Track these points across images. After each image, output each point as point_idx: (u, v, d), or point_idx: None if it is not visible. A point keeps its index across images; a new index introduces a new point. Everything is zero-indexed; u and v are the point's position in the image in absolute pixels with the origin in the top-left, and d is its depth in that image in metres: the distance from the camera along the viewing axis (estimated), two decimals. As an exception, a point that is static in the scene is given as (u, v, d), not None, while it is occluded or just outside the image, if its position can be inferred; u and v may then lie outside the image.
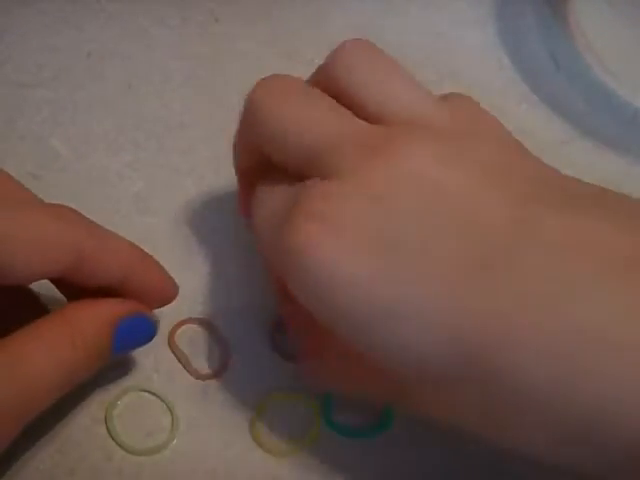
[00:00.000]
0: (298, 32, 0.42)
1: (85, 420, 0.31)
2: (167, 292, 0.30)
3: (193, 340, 0.33)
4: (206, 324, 0.33)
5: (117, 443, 0.31)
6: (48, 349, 0.26)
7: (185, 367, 0.32)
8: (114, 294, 0.28)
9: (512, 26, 0.42)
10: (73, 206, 0.28)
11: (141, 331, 0.29)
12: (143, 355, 0.32)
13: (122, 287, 0.28)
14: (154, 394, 0.31)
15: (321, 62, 0.41)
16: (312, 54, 0.41)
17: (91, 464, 0.30)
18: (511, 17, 0.42)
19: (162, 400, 0.31)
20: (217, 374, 0.32)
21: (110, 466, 0.30)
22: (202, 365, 0.32)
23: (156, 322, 0.30)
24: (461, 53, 0.41)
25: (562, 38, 0.41)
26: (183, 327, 0.33)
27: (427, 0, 0.43)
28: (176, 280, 0.31)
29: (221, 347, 0.33)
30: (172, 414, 0.31)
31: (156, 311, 0.33)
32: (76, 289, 0.28)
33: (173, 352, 0.32)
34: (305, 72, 0.41)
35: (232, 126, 0.37)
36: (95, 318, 0.27)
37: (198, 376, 0.32)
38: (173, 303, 0.33)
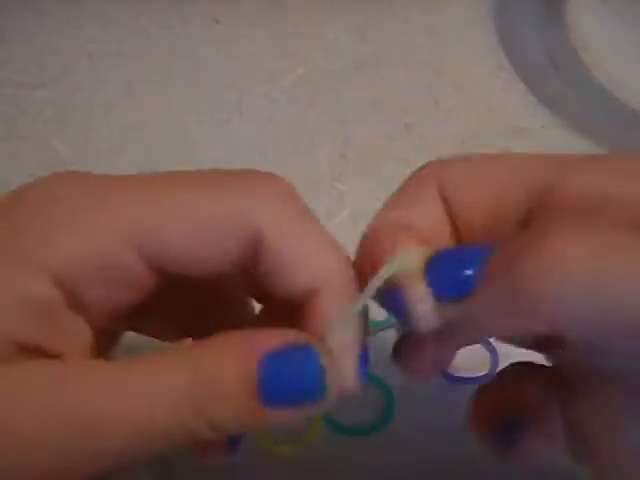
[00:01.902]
0: (298, 32, 0.42)
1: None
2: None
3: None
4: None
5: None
6: (159, 374, 0.20)
7: (185, 366, 0.32)
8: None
9: (511, 27, 0.42)
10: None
11: (299, 365, 0.20)
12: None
13: (304, 308, 0.21)
14: (155, 393, 0.32)
15: (321, 62, 0.41)
16: (312, 54, 0.41)
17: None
18: (510, 18, 0.42)
19: (163, 399, 0.31)
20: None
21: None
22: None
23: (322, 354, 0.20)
24: (461, 53, 0.41)
25: (560, 39, 0.41)
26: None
27: (427, 0, 0.43)
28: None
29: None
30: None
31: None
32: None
33: (174, 351, 0.32)
34: (305, 72, 0.41)
35: (232, 126, 0.38)
36: (232, 351, 0.20)
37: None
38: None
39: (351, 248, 0.35)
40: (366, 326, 0.22)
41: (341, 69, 0.41)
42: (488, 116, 0.39)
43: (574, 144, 0.38)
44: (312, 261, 0.21)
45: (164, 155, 0.38)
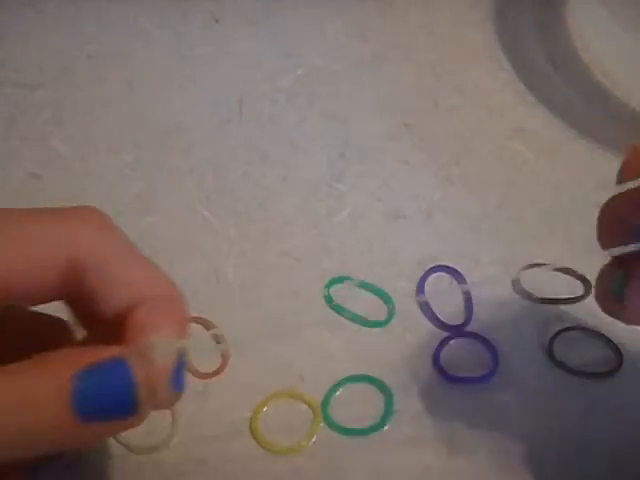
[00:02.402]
0: (298, 32, 0.42)
1: (86, 419, 0.31)
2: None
3: (193, 339, 0.33)
4: (206, 324, 0.33)
5: (118, 442, 0.31)
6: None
7: (185, 366, 0.32)
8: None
9: (511, 27, 0.42)
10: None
11: (109, 380, 0.20)
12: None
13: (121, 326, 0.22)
14: (155, 393, 0.32)
15: (321, 62, 0.41)
16: (312, 54, 0.41)
17: (92, 463, 0.30)
18: (510, 18, 0.42)
19: (162, 399, 0.31)
20: (217, 373, 0.32)
21: (111, 464, 0.30)
22: (202, 364, 0.32)
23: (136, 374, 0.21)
24: (461, 54, 0.42)
25: (560, 39, 0.41)
26: (183, 326, 0.33)
27: (427, 0, 0.43)
28: (176, 280, 0.31)
29: (222, 346, 0.33)
30: (172, 413, 0.31)
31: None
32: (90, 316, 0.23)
33: (173, 351, 0.33)
34: (305, 72, 0.41)
35: (232, 126, 0.38)
36: (48, 367, 0.20)
37: (198, 375, 0.32)
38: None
39: (351, 248, 0.35)
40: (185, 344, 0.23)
41: (341, 69, 0.41)
42: (488, 116, 0.39)
43: (574, 144, 0.39)
44: (131, 279, 0.22)
45: (164, 155, 0.38)
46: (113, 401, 0.20)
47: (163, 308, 0.23)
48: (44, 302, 0.22)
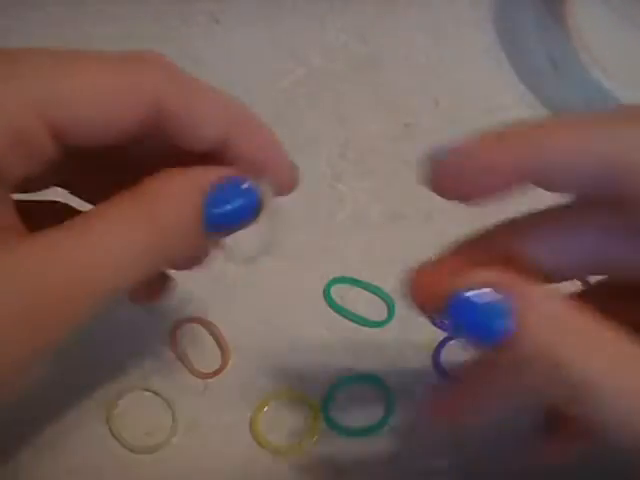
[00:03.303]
0: (298, 32, 0.42)
1: (87, 419, 0.31)
2: (283, 168, 0.25)
3: (193, 340, 0.33)
4: (206, 324, 0.33)
5: (118, 441, 0.31)
6: (118, 230, 0.21)
7: (186, 366, 0.32)
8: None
9: (511, 27, 0.42)
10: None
11: (240, 199, 0.22)
12: (144, 354, 0.32)
13: (223, 155, 0.24)
14: (155, 393, 0.32)
15: (321, 62, 0.41)
16: (312, 54, 0.41)
17: (93, 462, 0.30)
18: (510, 18, 0.42)
19: (162, 399, 0.32)
20: (217, 373, 0.32)
21: (111, 464, 0.30)
22: (202, 364, 0.32)
23: (263, 191, 0.23)
24: (461, 53, 0.42)
25: (560, 39, 0.41)
26: (183, 327, 0.33)
27: (427, 0, 0.43)
28: (176, 280, 0.31)
29: (221, 347, 0.33)
30: (173, 413, 0.31)
31: (157, 311, 0.33)
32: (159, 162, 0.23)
33: (174, 351, 0.33)
34: (305, 72, 0.41)
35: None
36: (178, 183, 0.22)
37: (198, 375, 0.32)
38: (173, 303, 0.33)
39: (351, 248, 0.35)
40: None
41: (341, 69, 0.41)
42: (488, 116, 0.39)
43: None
44: (216, 110, 0.23)
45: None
46: (241, 214, 0.23)
47: (256, 131, 0.25)
48: (124, 144, 0.23)
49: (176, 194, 0.22)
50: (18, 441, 0.31)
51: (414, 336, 0.33)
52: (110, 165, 0.24)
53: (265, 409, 0.32)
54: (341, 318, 0.34)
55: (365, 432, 0.31)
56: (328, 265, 0.35)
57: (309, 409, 0.32)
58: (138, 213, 0.21)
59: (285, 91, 0.40)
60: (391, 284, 0.34)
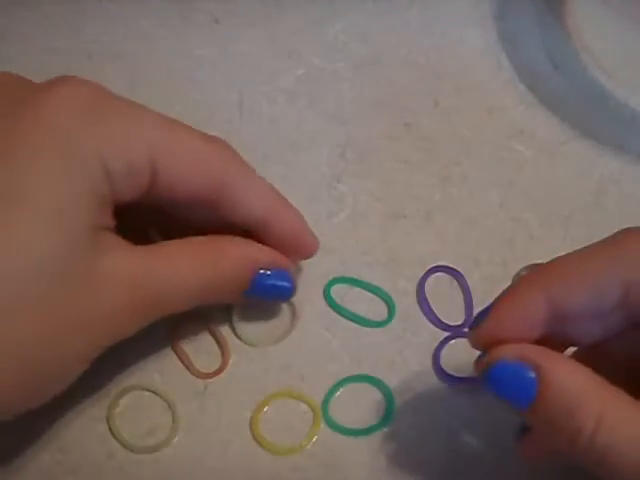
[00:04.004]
0: (298, 32, 0.42)
1: (87, 419, 0.31)
2: (308, 245, 0.31)
3: (194, 340, 0.33)
4: (206, 324, 0.33)
5: (118, 441, 0.31)
6: (192, 261, 0.28)
7: (186, 366, 0.32)
8: (252, 238, 0.30)
9: (511, 27, 0.42)
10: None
11: (280, 283, 0.30)
12: (144, 354, 0.32)
13: (261, 230, 0.30)
14: (155, 393, 0.32)
15: (321, 62, 0.41)
16: (312, 54, 0.41)
17: (92, 462, 0.30)
18: (510, 18, 0.42)
19: (163, 399, 0.32)
20: (217, 373, 0.32)
21: (111, 464, 0.30)
22: (203, 364, 0.32)
23: (295, 281, 0.31)
24: (461, 53, 0.41)
25: (560, 39, 0.41)
26: (184, 327, 0.33)
27: (427, 0, 0.43)
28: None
29: (221, 347, 0.33)
30: (173, 413, 0.31)
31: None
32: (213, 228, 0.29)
33: (174, 351, 0.33)
34: (305, 72, 0.41)
35: (232, 126, 0.38)
36: (240, 252, 0.29)
37: (199, 375, 0.32)
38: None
39: (351, 248, 0.35)
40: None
41: (341, 69, 0.41)
42: (488, 116, 0.39)
43: (574, 144, 0.39)
44: (262, 193, 0.30)
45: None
46: (277, 295, 0.31)
47: (291, 217, 0.31)
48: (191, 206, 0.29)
49: (236, 259, 0.29)
50: (17, 441, 0.31)
51: (414, 336, 0.33)
52: (172, 216, 0.30)
53: (265, 409, 0.32)
54: (341, 318, 0.34)
55: (365, 432, 0.31)
56: (328, 265, 0.35)
57: (309, 409, 0.32)
58: (208, 258, 0.29)
59: (285, 91, 0.40)
60: (391, 284, 0.34)
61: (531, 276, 0.26)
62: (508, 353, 0.25)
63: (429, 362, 0.33)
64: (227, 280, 0.29)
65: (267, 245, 0.30)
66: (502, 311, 0.26)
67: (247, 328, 0.33)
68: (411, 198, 0.37)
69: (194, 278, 0.28)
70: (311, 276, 0.34)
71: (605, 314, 0.25)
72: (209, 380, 0.32)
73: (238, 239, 0.29)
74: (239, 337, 0.33)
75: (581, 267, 0.25)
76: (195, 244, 0.29)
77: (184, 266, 0.28)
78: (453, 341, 0.33)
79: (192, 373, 0.32)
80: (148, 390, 0.32)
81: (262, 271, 0.30)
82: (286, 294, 0.31)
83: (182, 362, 0.32)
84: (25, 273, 0.24)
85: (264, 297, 0.31)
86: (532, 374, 0.24)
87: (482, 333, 0.26)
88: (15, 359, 0.24)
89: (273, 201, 0.30)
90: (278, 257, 0.30)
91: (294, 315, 0.33)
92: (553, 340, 0.26)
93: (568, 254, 0.26)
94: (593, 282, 0.25)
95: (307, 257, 0.32)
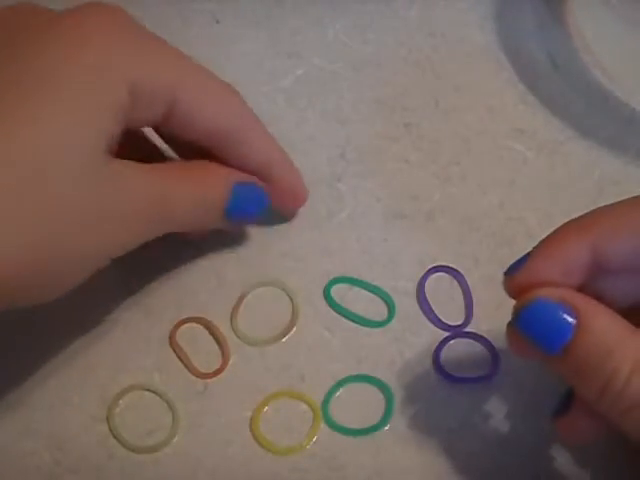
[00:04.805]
0: (298, 32, 0.42)
1: (87, 418, 0.31)
2: (300, 194, 0.35)
3: (193, 339, 0.33)
4: (206, 324, 0.33)
5: (118, 441, 0.31)
6: (188, 187, 0.30)
7: (186, 366, 0.32)
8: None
9: (511, 27, 0.42)
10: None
11: (254, 198, 0.32)
12: (144, 354, 0.32)
13: (260, 173, 0.32)
14: (155, 393, 0.32)
15: (321, 62, 0.41)
16: (312, 54, 0.41)
17: (93, 462, 0.30)
18: (510, 18, 0.42)
19: (163, 399, 0.32)
20: (217, 373, 0.32)
21: (111, 464, 0.30)
22: (203, 364, 0.32)
23: (268, 196, 0.33)
24: (461, 53, 0.41)
25: (560, 39, 0.41)
26: (184, 327, 0.33)
27: (427, 0, 0.43)
28: (176, 280, 0.31)
29: (221, 347, 0.33)
30: (173, 412, 0.31)
31: (157, 311, 0.33)
32: None
33: (174, 351, 0.33)
34: (305, 72, 0.41)
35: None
36: (220, 170, 0.31)
37: (199, 375, 0.32)
38: (173, 303, 0.33)
39: (351, 248, 0.35)
40: None
41: (341, 69, 0.41)
42: (488, 116, 0.39)
43: (574, 144, 0.39)
44: (265, 143, 0.33)
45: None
46: (252, 211, 0.33)
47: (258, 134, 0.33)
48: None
49: (218, 176, 0.31)
50: (18, 441, 0.31)
51: (414, 336, 0.33)
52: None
53: (265, 409, 0.32)
54: (341, 318, 0.34)
55: (365, 432, 0.31)
56: (328, 265, 0.35)
57: (309, 409, 0.32)
58: (196, 182, 0.31)
59: (285, 91, 0.40)
60: (391, 284, 0.34)
61: (574, 222, 0.26)
62: (548, 293, 0.25)
63: (429, 362, 0.33)
64: (214, 196, 0.31)
65: None
66: (543, 255, 0.26)
67: (247, 328, 0.33)
68: (411, 198, 0.37)
69: (191, 196, 0.30)
70: (311, 276, 0.34)
71: None
72: (209, 380, 0.32)
73: (214, 163, 0.32)
74: (239, 337, 0.33)
75: (627, 215, 0.25)
76: (193, 166, 0.31)
77: (189, 185, 0.30)
78: (453, 341, 0.33)
79: (192, 373, 0.32)
80: (148, 390, 0.32)
81: (238, 185, 0.31)
82: (261, 205, 0.33)
83: (182, 362, 0.32)
84: (57, 165, 0.25)
85: (242, 212, 0.32)
86: (570, 316, 0.24)
87: (520, 277, 0.26)
88: (31, 236, 0.25)
89: (276, 150, 0.33)
90: (251, 177, 0.32)
91: (294, 315, 0.33)
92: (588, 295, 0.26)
93: (612, 204, 0.26)
94: (638, 231, 0.25)
95: (297, 206, 0.35)
